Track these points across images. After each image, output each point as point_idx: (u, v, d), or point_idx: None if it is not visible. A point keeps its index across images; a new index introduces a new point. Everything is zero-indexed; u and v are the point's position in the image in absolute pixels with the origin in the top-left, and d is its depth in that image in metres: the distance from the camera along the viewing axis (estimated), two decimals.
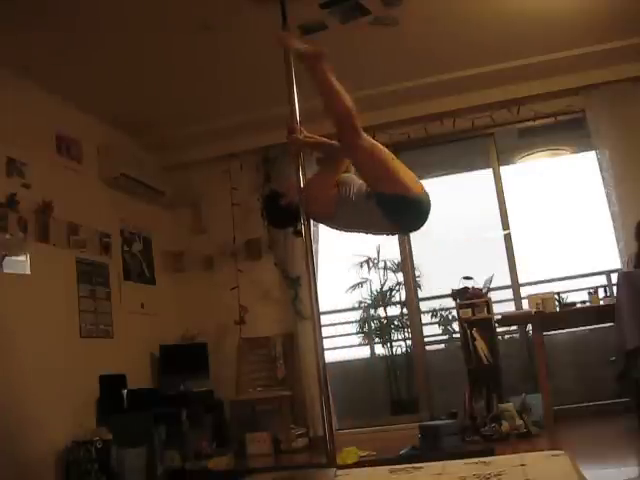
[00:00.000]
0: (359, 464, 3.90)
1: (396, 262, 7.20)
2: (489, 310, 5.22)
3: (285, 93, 3.23)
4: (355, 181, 2.90)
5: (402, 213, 2.70)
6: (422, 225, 2.81)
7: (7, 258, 4.03)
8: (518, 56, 4.99)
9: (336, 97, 2.80)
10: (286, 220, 3.15)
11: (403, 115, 5.55)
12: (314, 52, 2.82)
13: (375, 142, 2.77)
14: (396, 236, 5.78)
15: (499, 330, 5.60)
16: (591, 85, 5.30)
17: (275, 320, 5.77)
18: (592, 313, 4.74)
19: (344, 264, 7.35)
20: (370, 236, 3.11)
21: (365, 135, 2.75)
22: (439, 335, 7.57)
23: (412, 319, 6.01)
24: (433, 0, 4.15)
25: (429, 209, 2.76)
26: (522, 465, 2.28)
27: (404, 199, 2.65)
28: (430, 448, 4.26)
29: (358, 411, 6.25)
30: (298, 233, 3.11)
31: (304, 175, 3.13)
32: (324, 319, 4.25)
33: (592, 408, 5.24)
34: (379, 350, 7.65)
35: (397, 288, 7.37)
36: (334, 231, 3.19)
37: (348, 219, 2.89)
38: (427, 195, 2.74)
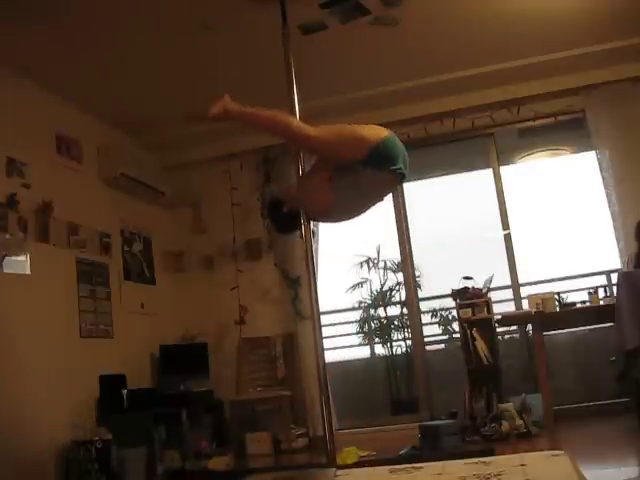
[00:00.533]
0: (359, 464, 3.89)
1: (396, 262, 7.20)
2: (489, 310, 5.21)
3: (285, 93, 3.24)
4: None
5: (389, 158, 2.75)
6: (407, 163, 2.85)
7: (7, 258, 4.03)
8: (518, 56, 4.99)
9: (264, 122, 2.92)
10: (292, 224, 3.15)
11: (403, 115, 5.54)
12: (221, 108, 2.99)
13: (317, 126, 2.85)
14: (396, 234, 5.81)
15: (499, 330, 5.59)
16: (591, 85, 5.29)
17: (275, 320, 5.77)
18: (592, 313, 4.74)
19: (344, 264, 7.36)
20: (376, 205, 3.08)
21: (305, 125, 2.83)
22: (439, 335, 7.56)
23: (412, 319, 6.00)
24: (433, 0, 4.15)
25: (401, 144, 2.85)
26: (522, 465, 2.28)
27: (380, 146, 2.73)
28: (430, 448, 4.25)
29: (358, 411, 6.25)
30: (313, 234, 3.13)
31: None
32: (324, 319, 4.25)
33: (592, 408, 5.24)
34: (379, 350, 7.64)
35: (397, 288, 7.37)
36: (335, 231, 3.20)
37: (348, 199, 2.89)
38: (392, 133, 2.83)
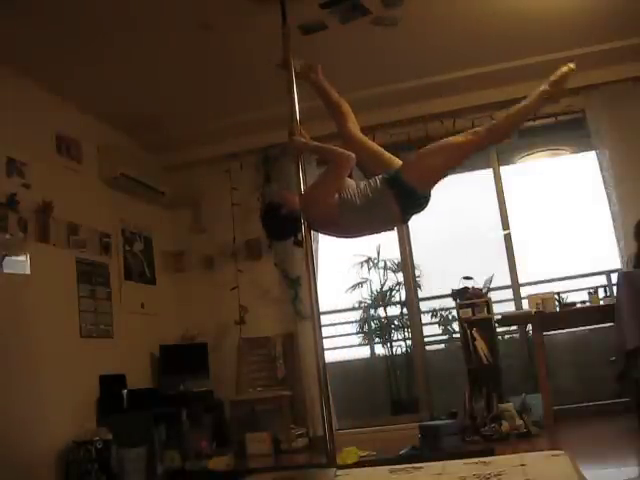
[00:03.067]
0: (359, 464, 3.89)
1: (396, 262, 7.20)
2: (489, 310, 5.21)
3: (285, 93, 3.24)
4: (353, 183, 2.94)
5: (415, 204, 2.87)
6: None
7: (7, 258, 4.03)
8: (518, 56, 4.99)
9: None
10: (287, 230, 3.14)
11: (403, 115, 5.55)
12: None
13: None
14: (396, 234, 5.81)
15: (499, 330, 5.59)
16: (591, 85, 5.29)
17: (275, 320, 5.77)
18: (592, 313, 4.74)
19: (344, 264, 7.35)
20: (371, 235, 3.17)
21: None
22: (439, 335, 7.56)
23: (412, 319, 6.01)
24: (433, 0, 4.15)
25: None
26: (522, 465, 2.28)
27: (422, 194, 2.84)
28: (430, 448, 4.26)
29: (358, 411, 6.25)
30: (299, 243, 3.12)
31: (304, 176, 3.14)
32: (324, 319, 4.25)
33: (592, 408, 5.24)
34: (379, 350, 7.64)
35: (397, 288, 7.37)
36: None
37: (353, 218, 2.90)
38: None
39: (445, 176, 2.87)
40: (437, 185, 2.86)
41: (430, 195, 2.87)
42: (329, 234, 3.19)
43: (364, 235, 3.14)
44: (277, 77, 3.33)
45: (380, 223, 3.02)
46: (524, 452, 2.75)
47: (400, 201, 2.80)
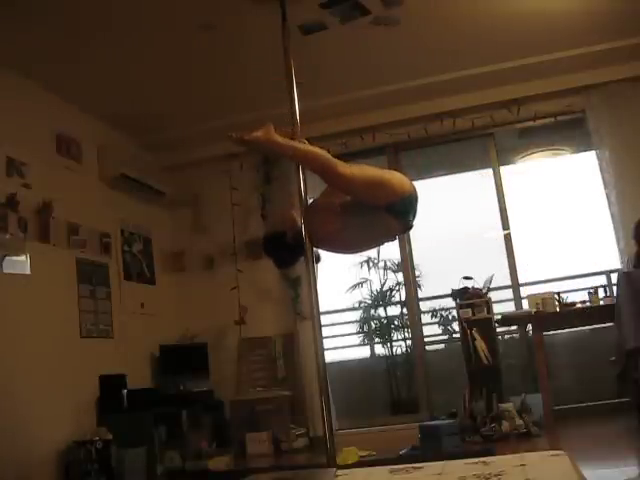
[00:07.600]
0: (359, 464, 3.89)
1: (396, 262, 7.19)
2: (489, 310, 5.21)
3: (285, 93, 3.24)
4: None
5: (410, 212, 2.83)
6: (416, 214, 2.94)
7: (7, 258, 4.03)
8: (518, 56, 4.99)
9: (304, 156, 2.88)
10: (293, 257, 3.11)
11: (403, 115, 5.54)
12: (262, 135, 2.88)
13: (353, 164, 2.85)
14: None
15: (499, 330, 5.59)
16: (591, 85, 5.29)
17: (275, 320, 5.77)
18: (592, 313, 4.74)
19: (344, 264, 7.35)
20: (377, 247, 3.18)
21: (342, 164, 2.79)
22: (439, 335, 7.56)
23: (412, 319, 6.00)
24: (433, 0, 4.15)
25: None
26: (522, 465, 2.28)
27: (407, 199, 2.78)
28: (430, 448, 4.25)
29: (358, 411, 6.25)
30: (318, 259, 3.10)
31: (304, 176, 3.14)
32: (324, 319, 4.25)
33: (592, 408, 5.24)
34: (379, 350, 7.64)
35: (397, 288, 7.37)
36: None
37: (357, 237, 2.91)
38: (415, 187, 2.87)
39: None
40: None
41: (415, 201, 2.83)
42: (332, 251, 3.16)
43: (365, 250, 3.14)
44: (277, 77, 3.34)
45: (384, 237, 3.03)
46: (524, 452, 2.74)
47: (397, 215, 2.81)
